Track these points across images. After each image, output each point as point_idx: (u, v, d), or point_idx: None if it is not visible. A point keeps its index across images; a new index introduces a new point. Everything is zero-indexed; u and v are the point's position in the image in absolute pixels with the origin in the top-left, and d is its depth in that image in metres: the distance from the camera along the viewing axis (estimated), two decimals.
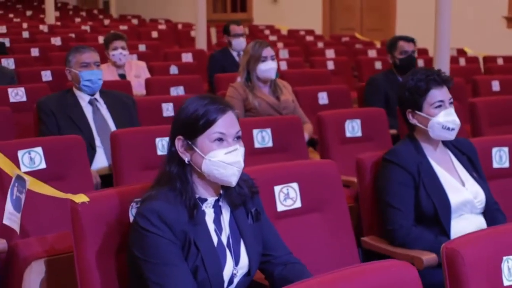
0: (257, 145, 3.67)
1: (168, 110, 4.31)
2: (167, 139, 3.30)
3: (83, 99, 3.79)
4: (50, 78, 5.69)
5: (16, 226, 2.57)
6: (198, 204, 2.00)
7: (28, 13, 14.57)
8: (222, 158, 1.97)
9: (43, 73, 5.68)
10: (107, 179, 3.48)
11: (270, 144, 3.70)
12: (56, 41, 8.33)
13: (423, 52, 8.74)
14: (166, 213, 1.92)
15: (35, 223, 2.81)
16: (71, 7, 16.97)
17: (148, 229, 1.91)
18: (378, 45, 9.63)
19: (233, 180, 2.00)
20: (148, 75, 5.86)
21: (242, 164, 2.00)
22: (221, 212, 2.07)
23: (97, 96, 3.83)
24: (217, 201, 2.06)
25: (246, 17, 14.15)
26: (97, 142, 3.67)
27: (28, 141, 2.99)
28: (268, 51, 4.32)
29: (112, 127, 3.75)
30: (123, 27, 10.71)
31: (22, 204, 2.53)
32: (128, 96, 4.00)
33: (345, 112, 4.01)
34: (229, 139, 1.99)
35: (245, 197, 2.09)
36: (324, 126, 3.84)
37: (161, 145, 3.27)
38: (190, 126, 1.98)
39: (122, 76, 5.64)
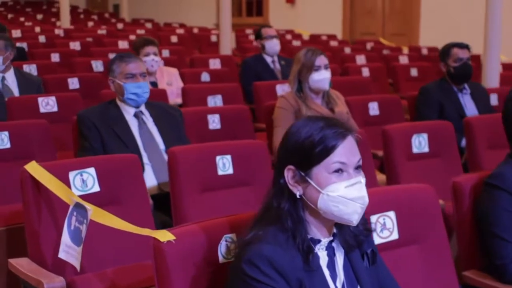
0: None
1: (214, 122, 3.99)
2: (228, 157, 3.03)
3: (128, 112, 3.46)
4: (77, 86, 5.38)
5: (74, 262, 2.25)
6: (312, 247, 1.68)
7: (39, 16, 14.25)
8: (343, 193, 1.64)
9: (69, 80, 5.36)
10: (157, 199, 3.16)
11: None
12: (75, 45, 8.00)
13: None
14: (279, 259, 1.60)
15: (91, 255, 2.50)
16: (81, 11, 16.65)
17: (259, 279, 1.58)
18: (406, 50, 9.31)
19: (354, 219, 1.67)
20: (180, 82, 5.54)
21: (367, 200, 1.68)
22: (334, 255, 1.74)
23: (143, 108, 3.50)
24: (330, 242, 1.74)
25: (262, 22, 13.82)
26: (145, 159, 3.34)
27: (80, 162, 2.66)
28: (321, 60, 4.00)
29: (160, 143, 3.43)
30: (140, 31, 10.40)
31: (83, 237, 2.21)
32: (175, 108, 3.67)
33: (411, 126, 3.69)
34: (350, 169, 1.67)
35: (360, 237, 1.77)
36: (391, 141, 3.52)
37: (222, 163, 2.95)
38: (304, 155, 1.66)
39: (154, 84, 5.32)
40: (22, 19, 13.32)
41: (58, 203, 2.47)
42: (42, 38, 8.76)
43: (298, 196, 1.68)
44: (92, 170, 2.63)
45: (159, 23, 13.93)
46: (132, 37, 9.34)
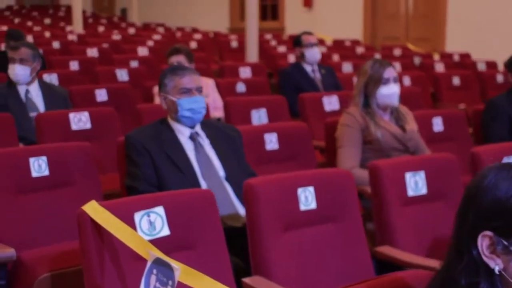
0: None
1: (272, 142, 3.55)
2: (311, 189, 2.60)
3: (182, 133, 3.02)
4: (105, 98, 4.94)
5: None
6: None
7: (47, 21, 13.80)
8: None
9: (97, 92, 4.93)
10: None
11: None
12: (93, 52, 7.57)
13: (491, 65, 7.99)
14: None
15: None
16: (89, 15, 16.21)
17: None
18: (437, 57, 8.88)
19: None
20: (217, 94, 5.12)
21: None
22: None
23: (198, 128, 3.07)
24: None
25: (278, 26, 13.40)
26: (204, 187, 2.91)
27: (145, 199, 2.22)
28: (390, 72, 3.59)
29: (219, 169, 2.99)
30: (156, 37, 9.96)
31: None
32: (233, 128, 3.22)
33: (500, 148, 3.25)
34: None
35: None
36: (481, 165, 3.08)
37: (304, 197, 2.50)
38: (507, 217, 1.22)
39: None
40: (29, 23, 12.86)
41: (125, 254, 2.04)
42: (56, 44, 8.33)
43: (496, 272, 1.24)
44: (160, 210, 2.19)
45: (171, 28, 13.50)
46: (150, 43, 8.92)
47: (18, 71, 4.32)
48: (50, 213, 2.87)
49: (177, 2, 15.50)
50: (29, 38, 8.90)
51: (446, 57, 8.71)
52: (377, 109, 3.59)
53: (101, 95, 4.93)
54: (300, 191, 2.50)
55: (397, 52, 9.24)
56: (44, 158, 2.90)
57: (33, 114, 4.27)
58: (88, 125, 3.96)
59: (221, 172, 2.98)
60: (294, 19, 13.03)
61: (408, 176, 2.80)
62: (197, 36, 10.27)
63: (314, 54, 5.58)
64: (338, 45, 10.10)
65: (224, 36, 10.39)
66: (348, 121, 3.56)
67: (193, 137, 3.02)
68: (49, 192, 2.91)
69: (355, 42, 10.34)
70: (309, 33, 5.72)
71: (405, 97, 5.09)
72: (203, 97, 3.04)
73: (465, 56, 8.88)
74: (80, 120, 3.95)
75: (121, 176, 3.08)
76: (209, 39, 9.88)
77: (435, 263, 1.38)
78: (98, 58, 7.24)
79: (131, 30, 12.42)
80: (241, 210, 2.86)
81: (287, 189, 2.49)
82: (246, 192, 2.42)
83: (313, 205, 2.52)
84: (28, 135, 4.07)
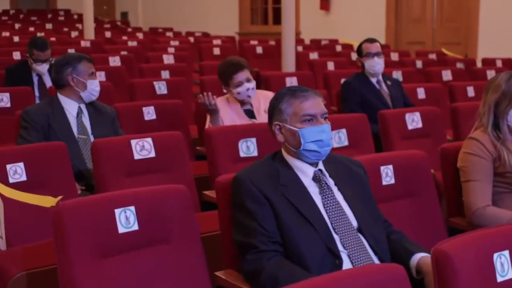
0: None
1: (388, 176, 2.93)
2: None
3: (304, 172, 2.39)
4: (153, 117, 4.32)
5: None
6: None
7: (48, 26, 13.11)
8: None
9: (144, 110, 4.30)
10: None
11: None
12: (115, 61, 6.91)
13: None
14: None
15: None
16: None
17: None
18: (480, 64, 8.32)
19: None
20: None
21: None
22: None
23: (321, 165, 2.45)
24: None
25: None
26: (338, 245, 2.28)
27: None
28: None
29: (351, 218, 2.37)
30: (174, 43, 9.32)
31: None
32: (356, 162, 2.58)
33: None
34: None
35: None
36: None
37: None
38: None
39: (249, 113, 4.30)
40: (31, 29, 12.18)
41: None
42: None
43: None
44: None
45: (181, 32, 12.86)
46: (171, 49, 8.29)
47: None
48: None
49: (182, 6, 14.86)
50: None
51: (489, 63, 8.14)
52: (509, 133, 2.99)
53: (149, 113, 4.32)
54: None
55: (431, 57, 8.68)
56: (132, 208, 2.27)
57: (80, 137, 3.69)
58: (152, 154, 3.34)
59: (353, 223, 2.37)
60: (309, 23, 12.44)
61: None
62: (217, 41, 9.61)
63: (373, 65, 4.97)
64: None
65: (246, 42, 9.75)
66: (477, 150, 2.96)
67: (317, 178, 2.40)
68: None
69: (385, 47, 9.73)
70: (371, 41, 5.10)
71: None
72: (329, 124, 2.43)
73: (507, 62, 8.32)
74: (143, 148, 3.32)
75: (223, 228, 2.43)
76: (232, 45, 9.23)
77: None
78: (124, 67, 6.57)
79: (140, 35, 11.78)
80: None
81: None
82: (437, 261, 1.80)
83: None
84: (75, 161, 3.45)
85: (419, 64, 7.73)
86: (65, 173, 3.19)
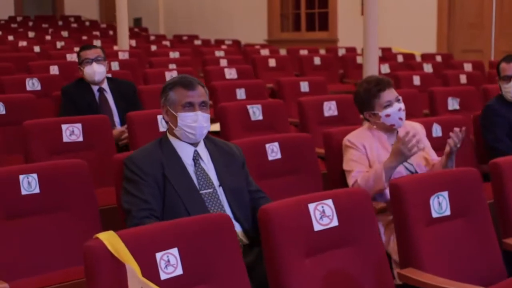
0: None
1: None
2: None
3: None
4: None
5: None
6: None
7: (64, 33, 12.14)
8: None
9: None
10: None
11: None
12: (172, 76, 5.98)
13: None
14: None
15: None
16: (105, 26, 14.57)
17: None
18: None
19: None
20: (427, 142, 3.61)
21: None
22: None
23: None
24: None
25: (327, 37, 11.87)
26: None
27: None
28: None
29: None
30: (219, 53, 8.39)
31: None
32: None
33: None
34: None
35: None
36: None
37: None
38: None
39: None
40: (48, 37, 11.21)
41: None
42: (115, 65, 6.75)
43: None
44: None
45: (211, 40, 11.94)
46: (224, 61, 7.38)
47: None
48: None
49: (205, 11, 13.96)
50: (73, 57, 7.38)
51: None
52: None
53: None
54: None
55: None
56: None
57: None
58: None
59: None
60: (348, 29, 11.52)
61: None
62: (265, 51, 8.68)
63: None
64: (426, 59, 8.64)
65: (296, 51, 8.85)
66: None
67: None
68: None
69: (445, 56, 8.87)
70: (508, 61, 4.24)
71: None
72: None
73: None
74: None
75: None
76: (286, 56, 8.28)
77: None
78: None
79: (166, 43, 10.87)
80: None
81: None
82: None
83: None
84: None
85: None
86: None
